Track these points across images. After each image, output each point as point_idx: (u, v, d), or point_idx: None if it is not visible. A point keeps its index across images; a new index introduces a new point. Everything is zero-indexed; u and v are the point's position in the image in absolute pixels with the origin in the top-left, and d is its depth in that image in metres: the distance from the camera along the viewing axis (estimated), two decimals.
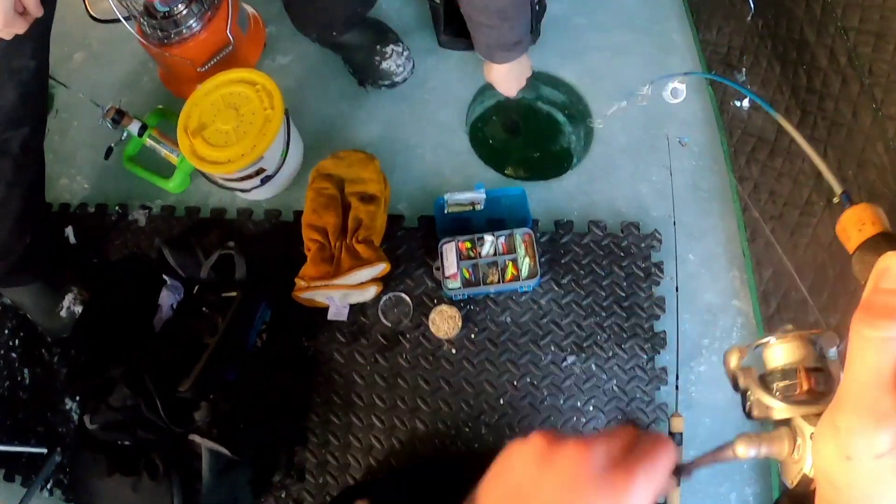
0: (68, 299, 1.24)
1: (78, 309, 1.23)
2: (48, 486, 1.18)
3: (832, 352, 0.42)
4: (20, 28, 0.92)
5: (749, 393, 0.44)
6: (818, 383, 0.40)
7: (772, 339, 0.43)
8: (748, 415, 0.44)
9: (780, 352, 0.43)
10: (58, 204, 1.37)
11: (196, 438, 1.02)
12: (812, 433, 0.38)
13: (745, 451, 0.41)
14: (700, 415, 1.09)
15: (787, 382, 0.41)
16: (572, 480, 0.33)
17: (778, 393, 0.42)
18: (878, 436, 0.28)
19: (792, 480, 0.40)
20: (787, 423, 0.41)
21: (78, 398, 1.22)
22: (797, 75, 1.13)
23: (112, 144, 1.32)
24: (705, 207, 1.22)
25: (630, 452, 0.36)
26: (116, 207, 1.35)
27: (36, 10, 0.92)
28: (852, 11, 1.06)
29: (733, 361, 0.46)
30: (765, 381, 0.43)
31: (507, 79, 1.24)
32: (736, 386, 0.45)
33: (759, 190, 1.16)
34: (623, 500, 0.33)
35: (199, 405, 1.04)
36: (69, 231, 1.34)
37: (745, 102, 1.21)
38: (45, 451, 1.19)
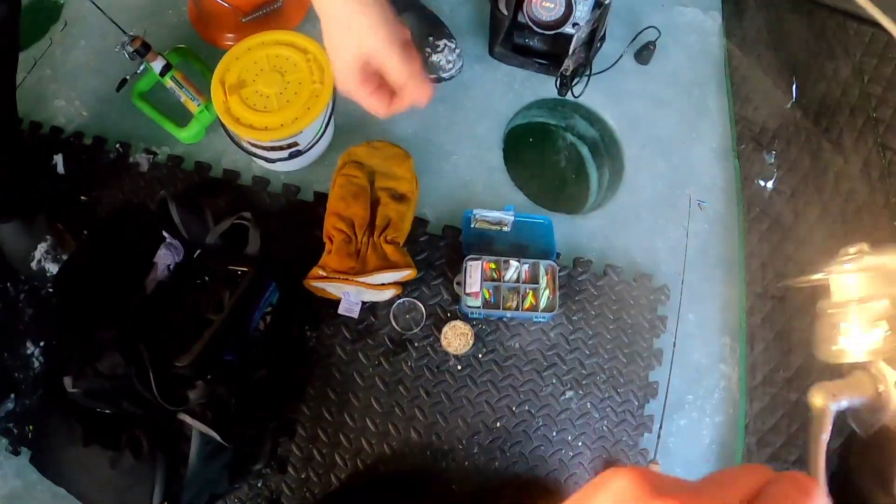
0: (40, 251, 1.11)
1: (49, 265, 1.11)
2: None
3: None
4: None
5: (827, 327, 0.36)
6: None
7: (850, 266, 0.36)
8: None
9: (864, 281, 0.36)
10: (49, 126, 1.24)
11: (187, 419, 0.96)
12: None
13: (823, 401, 0.34)
14: (673, 464, 1.15)
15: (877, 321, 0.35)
16: None
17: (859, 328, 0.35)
18: None
19: (867, 430, 0.36)
20: (862, 366, 0.36)
21: (42, 344, 1.12)
22: (825, 174, 1.20)
23: (127, 77, 1.20)
24: (710, 273, 1.27)
25: None
26: (117, 145, 1.23)
27: None
28: (895, 134, 1.14)
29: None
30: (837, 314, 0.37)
31: (338, 43, 0.67)
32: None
33: (765, 269, 1.24)
34: None
35: (195, 384, 0.98)
36: (58, 159, 1.21)
37: (770, 184, 1.28)
38: None
